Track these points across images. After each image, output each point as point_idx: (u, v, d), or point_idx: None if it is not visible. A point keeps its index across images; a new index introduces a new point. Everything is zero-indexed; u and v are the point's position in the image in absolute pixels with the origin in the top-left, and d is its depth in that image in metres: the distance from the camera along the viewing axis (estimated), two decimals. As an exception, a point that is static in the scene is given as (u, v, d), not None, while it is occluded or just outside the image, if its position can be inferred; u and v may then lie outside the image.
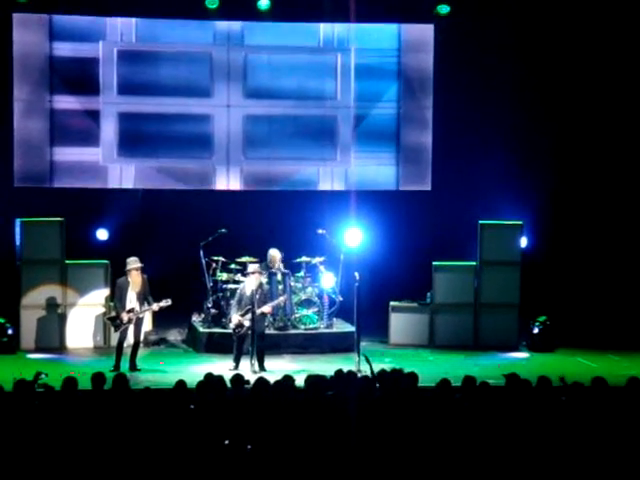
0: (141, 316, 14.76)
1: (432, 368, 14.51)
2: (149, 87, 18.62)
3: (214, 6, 17.97)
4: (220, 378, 9.74)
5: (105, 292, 16.27)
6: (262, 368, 14.45)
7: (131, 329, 14.76)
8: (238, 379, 9.90)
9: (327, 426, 8.60)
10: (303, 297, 16.46)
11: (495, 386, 9.89)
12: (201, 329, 16.29)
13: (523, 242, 17.11)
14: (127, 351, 14.67)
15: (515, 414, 9.01)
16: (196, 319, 16.83)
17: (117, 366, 14.33)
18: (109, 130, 18.59)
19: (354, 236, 16.50)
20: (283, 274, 16.30)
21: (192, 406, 9.10)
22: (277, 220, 18.29)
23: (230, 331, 15.01)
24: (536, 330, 16.51)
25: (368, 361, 12.19)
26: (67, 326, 16.18)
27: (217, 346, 15.81)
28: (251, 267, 15.12)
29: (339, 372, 10.22)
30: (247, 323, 14.60)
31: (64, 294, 16.21)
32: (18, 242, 16.26)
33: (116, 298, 14.89)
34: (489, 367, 14.51)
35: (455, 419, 8.87)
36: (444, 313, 16.74)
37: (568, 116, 18.95)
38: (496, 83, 18.77)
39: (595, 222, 18.97)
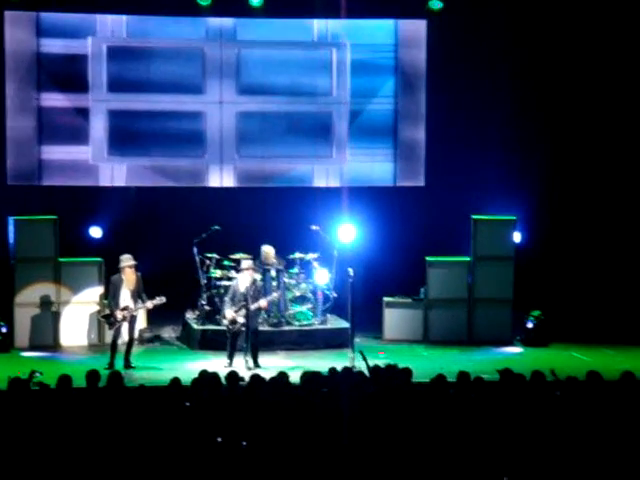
0: (135, 314, 14.75)
1: (426, 364, 14.53)
2: (140, 84, 18.42)
3: (206, 3, 17.92)
4: (215, 375, 9.76)
5: (99, 290, 16.26)
6: (256, 365, 14.47)
7: (125, 327, 14.75)
8: (233, 376, 9.90)
9: (322, 422, 8.61)
10: (297, 293, 16.46)
11: (489, 381, 9.92)
12: (195, 326, 16.29)
13: (517, 237, 17.13)
14: (121, 349, 14.67)
15: (509, 409, 9.02)
16: (190, 316, 16.82)
17: (112, 364, 14.33)
18: (99, 128, 18.39)
19: (347, 232, 16.50)
20: (277, 270, 16.30)
21: (187, 403, 9.11)
22: (271, 217, 18.27)
23: (224, 328, 15.01)
24: (530, 325, 16.55)
25: (364, 358, 12.20)
26: (61, 324, 16.16)
27: (211, 343, 15.81)
28: (244, 264, 15.12)
29: (333, 370, 10.23)
30: (241, 320, 14.61)
31: (58, 292, 16.19)
32: (12, 240, 16.24)
33: (110, 296, 14.88)
34: (484, 362, 14.53)
35: (450, 414, 8.88)
36: (438, 308, 16.75)
37: (561, 111, 18.95)
38: (489, 79, 18.77)
39: (588, 217, 18.98)
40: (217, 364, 14.06)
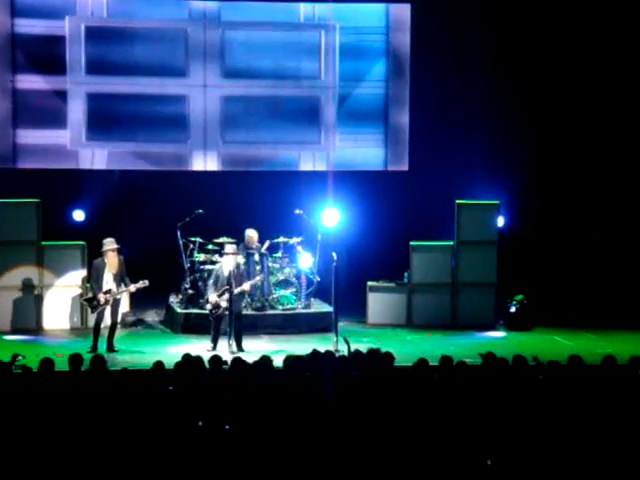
0: (118, 297, 14.71)
1: (410, 348, 14.55)
2: (120, 66, 18.00)
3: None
4: (198, 359, 9.74)
5: (82, 273, 16.20)
6: (240, 349, 14.45)
7: (108, 310, 14.71)
8: (216, 360, 9.89)
9: (305, 406, 8.61)
10: (281, 277, 16.44)
11: (472, 365, 9.94)
12: (178, 310, 16.26)
13: (500, 221, 17.15)
14: (104, 332, 14.63)
15: (492, 392, 9.05)
16: (173, 300, 16.78)
17: (95, 347, 14.30)
18: (77, 111, 18.00)
19: (331, 216, 16.48)
20: (261, 254, 16.28)
21: (170, 387, 9.09)
22: (254, 201, 18.23)
23: (207, 312, 14.99)
24: (513, 309, 16.59)
25: (347, 342, 12.22)
26: (44, 307, 16.11)
27: (194, 327, 15.79)
28: (228, 247, 15.08)
29: (315, 352, 10.22)
30: (224, 304, 14.59)
31: (40, 275, 16.13)
32: (-7, 223, 16.15)
33: (93, 279, 14.83)
34: (467, 346, 14.56)
35: (432, 398, 8.90)
36: (422, 293, 16.77)
37: (546, 96, 18.96)
38: (474, 63, 18.77)
39: (571, 201, 19.04)
40: (200, 348, 14.04)
